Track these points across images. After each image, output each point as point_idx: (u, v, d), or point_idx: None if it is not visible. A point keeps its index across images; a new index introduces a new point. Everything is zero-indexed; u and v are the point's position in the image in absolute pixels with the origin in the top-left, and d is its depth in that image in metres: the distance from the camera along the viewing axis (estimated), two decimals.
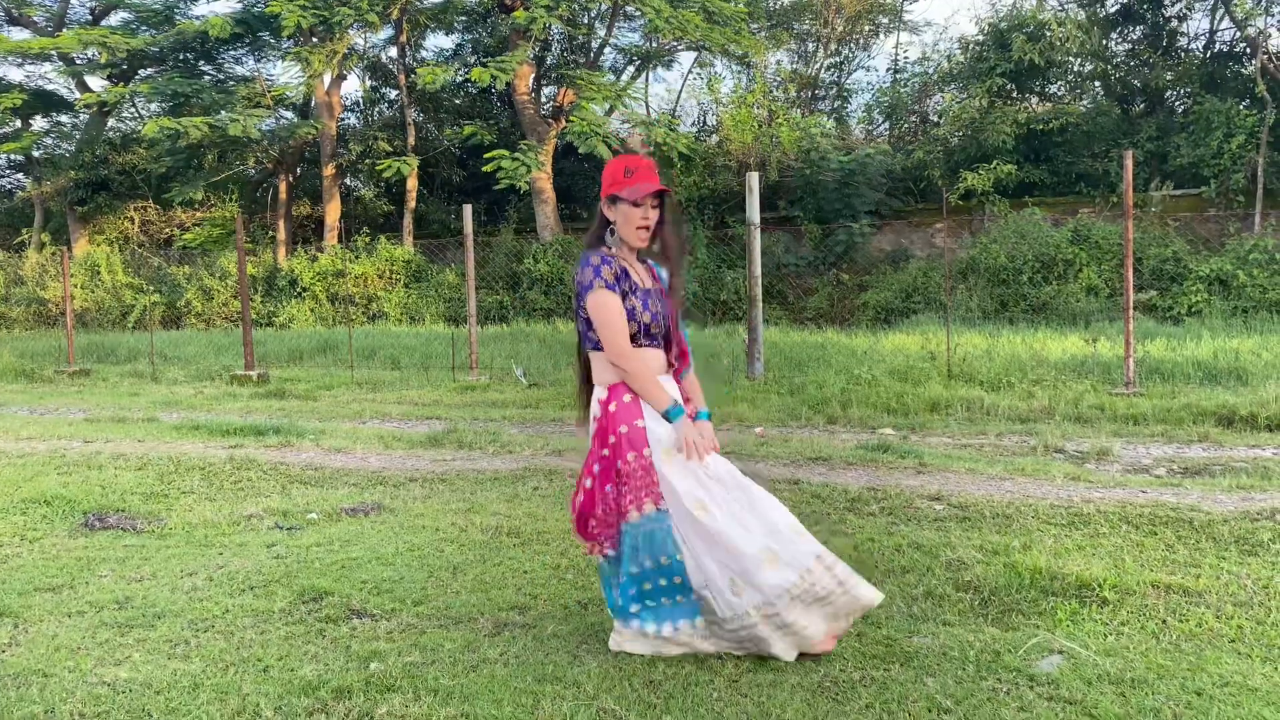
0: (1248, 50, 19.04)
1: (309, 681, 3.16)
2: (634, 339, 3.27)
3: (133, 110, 26.35)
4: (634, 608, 3.28)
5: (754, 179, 11.16)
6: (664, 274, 3.45)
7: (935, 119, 22.11)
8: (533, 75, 22.07)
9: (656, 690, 3.05)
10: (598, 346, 3.31)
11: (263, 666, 3.31)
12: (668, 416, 3.23)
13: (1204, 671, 3.06)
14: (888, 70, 26.69)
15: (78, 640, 3.59)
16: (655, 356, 3.33)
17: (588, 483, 3.31)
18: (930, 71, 23.02)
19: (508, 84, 19.97)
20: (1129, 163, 9.38)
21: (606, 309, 3.23)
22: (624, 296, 3.25)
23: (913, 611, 3.68)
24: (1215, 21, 20.94)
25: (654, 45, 24.14)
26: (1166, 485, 5.56)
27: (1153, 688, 2.95)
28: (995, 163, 18.32)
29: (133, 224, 25.74)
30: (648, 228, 3.29)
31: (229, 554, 4.65)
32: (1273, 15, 18.58)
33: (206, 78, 23.72)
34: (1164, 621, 3.50)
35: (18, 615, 3.85)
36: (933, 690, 2.97)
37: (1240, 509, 4.81)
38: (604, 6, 21.56)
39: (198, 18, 23.24)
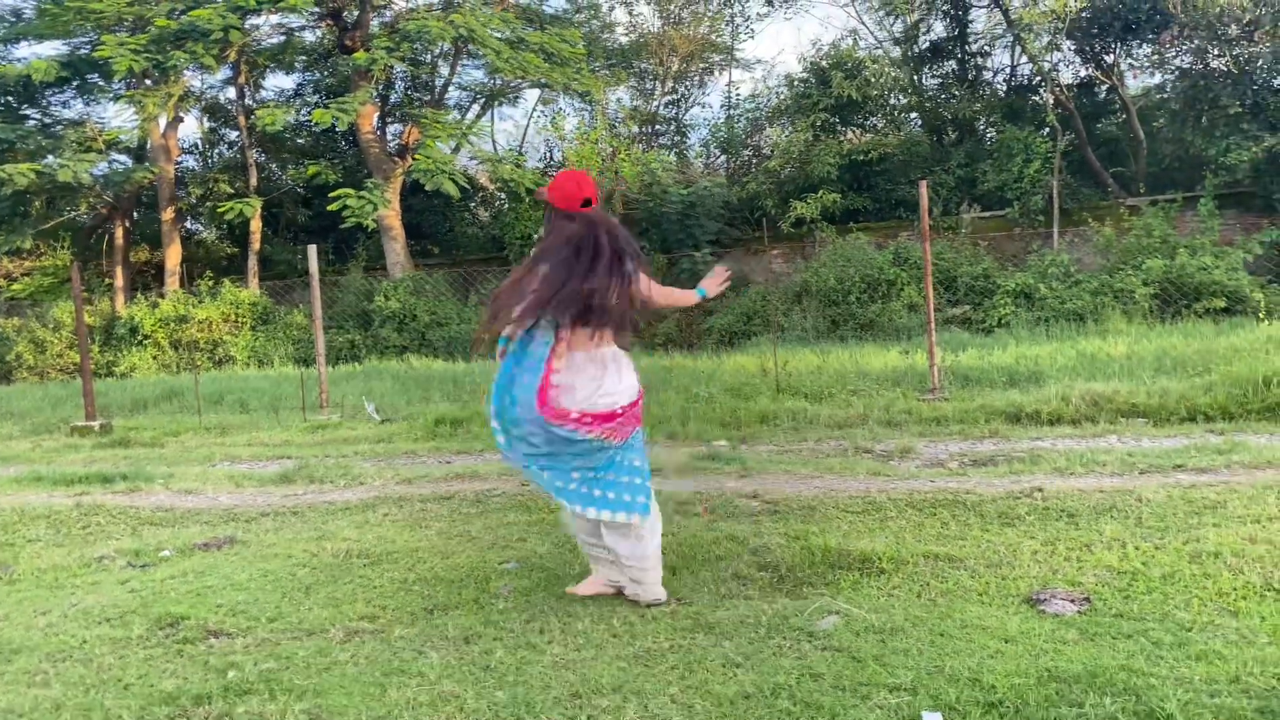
0: (1041, 83, 20.94)
1: (169, 693, 3.42)
2: None
3: None
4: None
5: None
6: None
7: (767, 152, 23.33)
8: (376, 114, 22.20)
9: (491, 673, 3.45)
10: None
11: (123, 685, 3.54)
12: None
13: (950, 618, 3.68)
14: (722, 106, 27.98)
15: None
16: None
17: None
18: (761, 108, 24.29)
19: (351, 123, 20.05)
20: (924, 191, 10.39)
21: None
22: None
23: (720, 591, 4.20)
24: (1014, 57, 22.93)
25: (498, 84, 24.62)
26: (955, 475, 6.31)
27: (907, 634, 3.55)
28: (822, 192, 19.53)
29: None
30: None
31: (82, 592, 4.79)
32: (1061, 52, 20.50)
33: (31, 122, 22.83)
34: (927, 583, 4.13)
35: None
36: (728, 651, 3.48)
37: (1008, 490, 5.56)
38: (446, 46, 21.91)
39: (19, 60, 22.38)
